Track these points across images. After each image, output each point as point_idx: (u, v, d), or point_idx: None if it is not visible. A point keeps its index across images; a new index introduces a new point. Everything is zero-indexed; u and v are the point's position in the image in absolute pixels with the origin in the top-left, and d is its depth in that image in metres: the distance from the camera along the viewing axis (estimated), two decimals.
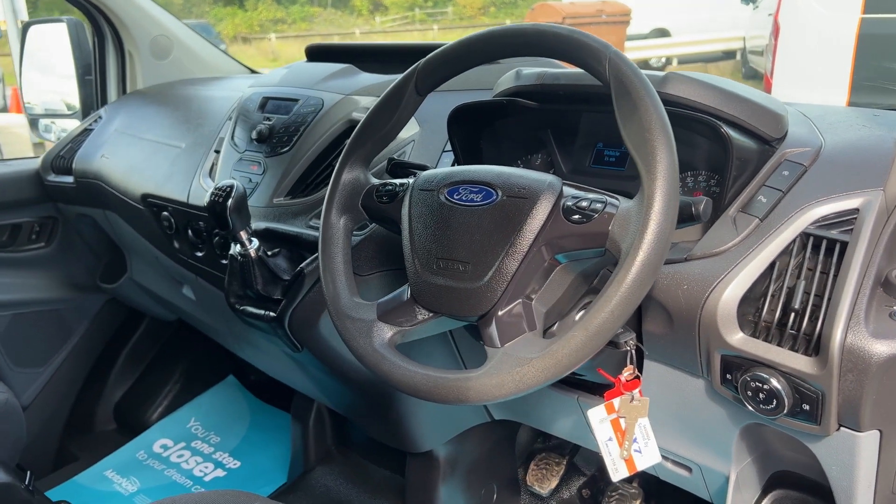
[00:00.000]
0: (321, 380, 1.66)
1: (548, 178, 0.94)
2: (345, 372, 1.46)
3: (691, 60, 12.94)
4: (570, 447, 1.77)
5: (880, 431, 0.93)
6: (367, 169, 1.11)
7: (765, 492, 1.25)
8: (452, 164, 1.35)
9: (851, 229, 0.95)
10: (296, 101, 1.51)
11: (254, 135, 1.51)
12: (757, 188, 1.04)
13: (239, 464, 2.19)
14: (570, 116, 1.29)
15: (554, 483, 1.66)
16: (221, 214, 1.22)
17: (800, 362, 0.92)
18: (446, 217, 0.95)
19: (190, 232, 1.65)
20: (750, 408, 0.97)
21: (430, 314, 0.98)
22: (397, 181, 1.07)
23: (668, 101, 1.09)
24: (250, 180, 1.49)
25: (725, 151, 1.04)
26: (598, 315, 0.81)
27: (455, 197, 0.96)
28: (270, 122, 1.51)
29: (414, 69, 1.05)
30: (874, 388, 0.88)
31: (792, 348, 0.93)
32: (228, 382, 2.50)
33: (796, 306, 0.92)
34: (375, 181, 1.09)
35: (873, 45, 5.24)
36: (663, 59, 12.89)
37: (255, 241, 1.29)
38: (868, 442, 0.94)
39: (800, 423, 0.95)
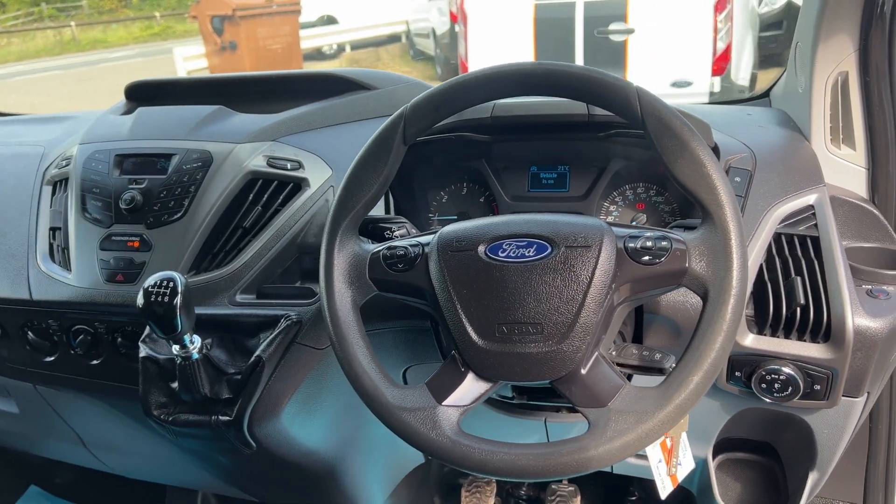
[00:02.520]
0: (230, 469, 1.44)
1: (595, 220, 0.91)
2: (294, 459, 1.28)
3: (361, 46, 13.37)
4: None
5: (868, 393, 1.09)
6: (359, 236, 0.98)
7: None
8: (387, 203, 1.26)
9: (815, 224, 1.09)
10: (169, 156, 1.26)
11: (122, 204, 1.23)
12: None
13: None
14: (504, 143, 1.27)
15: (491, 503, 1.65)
16: (167, 316, 0.98)
17: (812, 350, 1.04)
18: (498, 278, 0.88)
19: (31, 335, 1.30)
20: (766, 399, 1.07)
21: (491, 384, 0.90)
22: (406, 243, 0.95)
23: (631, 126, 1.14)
24: (133, 262, 1.21)
25: None
26: (710, 354, 0.82)
27: (501, 254, 0.89)
28: (142, 186, 1.24)
29: (401, 115, 0.94)
30: (874, 360, 1.03)
31: (800, 339, 1.05)
32: (32, 495, 2.04)
33: (802, 301, 1.03)
34: (373, 247, 0.96)
35: (547, 27, 5.94)
36: (335, 47, 13.12)
37: (198, 339, 1.06)
38: (860, 404, 1.10)
39: (809, 402, 1.07)
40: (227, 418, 1.10)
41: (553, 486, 1.65)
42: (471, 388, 0.89)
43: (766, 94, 1.55)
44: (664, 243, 0.87)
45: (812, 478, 1.21)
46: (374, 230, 1.08)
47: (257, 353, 1.10)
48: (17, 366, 1.35)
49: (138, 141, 1.29)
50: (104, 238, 1.23)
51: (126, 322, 1.25)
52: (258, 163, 1.24)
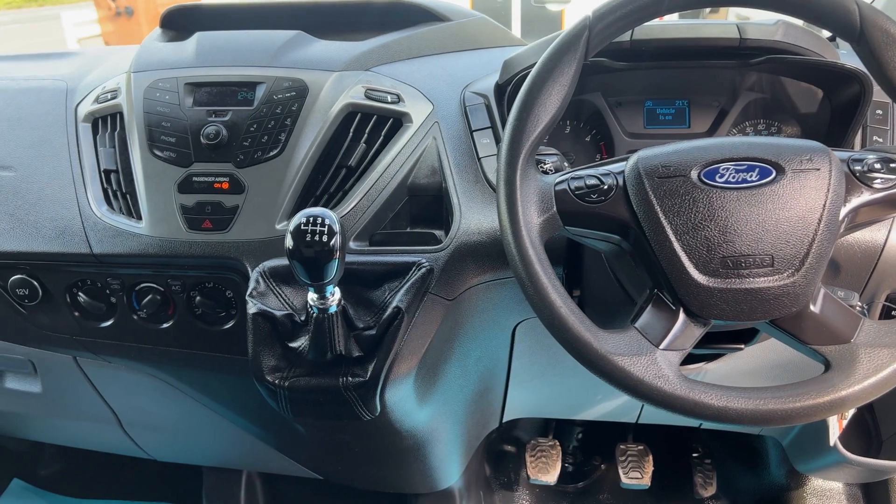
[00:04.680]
0: (303, 443, 1.29)
1: (814, 142, 0.84)
2: (401, 427, 1.16)
3: None
4: (553, 426, 1.69)
5: None
6: (536, 166, 0.86)
7: None
8: (499, 144, 1.13)
9: None
10: (253, 84, 1.09)
11: (203, 139, 1.05)
12: (860, 130, 1.08)
13: None
14: (619, 76, 1.17)
15: (559, 467, 1.57)
16: (321, 260, 0.82)
17: None
18: (719, 205, 0.79)
19: (83, 297, 1.10)
20: None
21: (706, 325, 0.82)
22: (593, 172, 0.85)
23: (788, 51, 1.07)
24: (222, 206, 1.04)
25: (861, 95, 1.04)
26: None
27: (719, 179, 0.80)
28: (226, 119, 1.07)
29: (584, 25, 0.83)
30: None
31: None
32: (16, 489, 1.79)
33: None
34: (552, 178, 0.86)
35: None
36: None
37: (337, 290, 0.91)
38: None
39: None
40: (361, 379, 0.96)
41: (622, 447, 1.59)
42: (685, 329, 0.81)
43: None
44: (894, 165, 0.81)
45: None
46: None
47: (394, 304, 0.96)
48: (58, 334, 1.14)
49: (210, 68, 1.11)
50: (183, 179, 1.05)
51: (206, 277, 1.08)
52: (356, 94, 1.09)
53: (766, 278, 0.78)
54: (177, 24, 1.29)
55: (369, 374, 0.96)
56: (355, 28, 1.27)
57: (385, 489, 1.41)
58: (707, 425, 1.38)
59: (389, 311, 0.96)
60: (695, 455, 1.66)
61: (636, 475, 1.52)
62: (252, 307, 0.96)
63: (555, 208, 0.83)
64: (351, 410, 1.01)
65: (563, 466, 1.60)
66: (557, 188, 0.84)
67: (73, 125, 1.17)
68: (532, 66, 1.11)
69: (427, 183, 1.08)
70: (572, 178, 0.84)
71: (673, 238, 0.79)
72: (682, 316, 0.80)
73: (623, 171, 0.84)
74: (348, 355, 0.96)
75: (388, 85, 1.13)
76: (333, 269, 0.84)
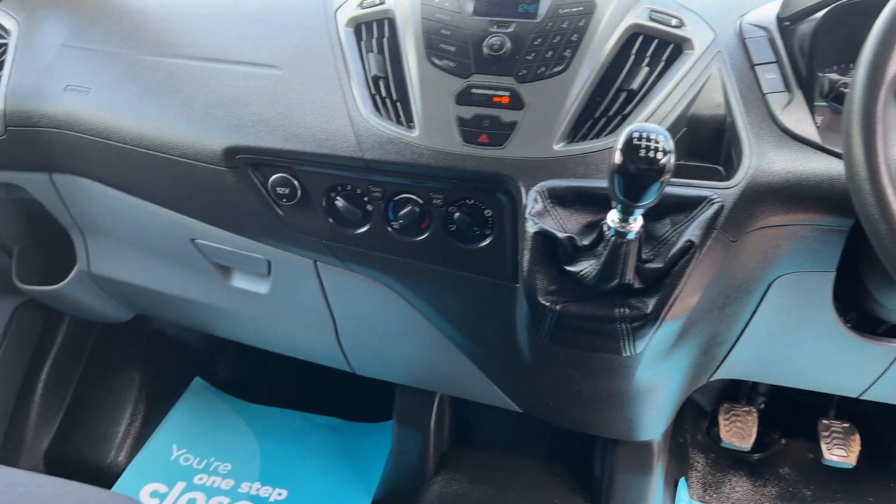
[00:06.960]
0: (521, 373, 1.28)
1: None
2: (641, 368, 1.12)
3: None
4: (745, 391, 1.63)
5: None
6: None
7: None
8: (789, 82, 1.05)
9: None
10: None
11: (486, 49, 1.02)
12: None
13: (285, 493, 1.65)
14: None
15: (754, 433, 1.52)
16: (647, 179, 0.78)
17: None
18: None
19: (341, 201, 1.10)
20: None
21: None
22: None
23: None
24: (499, 121, 1.01)
25: None
26: None
27: None
28: (509, 30, 1.03)
29: None
30: None
31: None
32: (198, 388, 1.87)
33: None
34: None
35: None
36: None
37: (641, 217, 0.87)
38: None
39: None
40: (640, 312, 0.92)
41: (825, 422, 1.52)
42: None
43: None
44: None
45: None
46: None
47: (686, 237, 0.91)
48: (308, 237, 1.15)
49: None
50: (462, 90, 1.03)
51: (468, 194, 1.06)
52: (641, 14, 1.04)
53: None
54: None
55: (650, 308, 0.92)
56: None
57: (587, 431, 1.39)
58: None
59: (680, 244, 0.91)
60: None
61: (841, 453, 1.45)
62: (533, 226, 0.93)
63: None
64: (616, 344, 0.98)
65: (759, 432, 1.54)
66: None
67: (334, 30, 1.15)
68: (823, 2, 1.03)
69: (710, 115, 1.02)
70: None
71: None
72: None
73: None
74: (629, 286, 0.92)
75: (671, 8, 1.07)
76: (655, 190, 0.80)
